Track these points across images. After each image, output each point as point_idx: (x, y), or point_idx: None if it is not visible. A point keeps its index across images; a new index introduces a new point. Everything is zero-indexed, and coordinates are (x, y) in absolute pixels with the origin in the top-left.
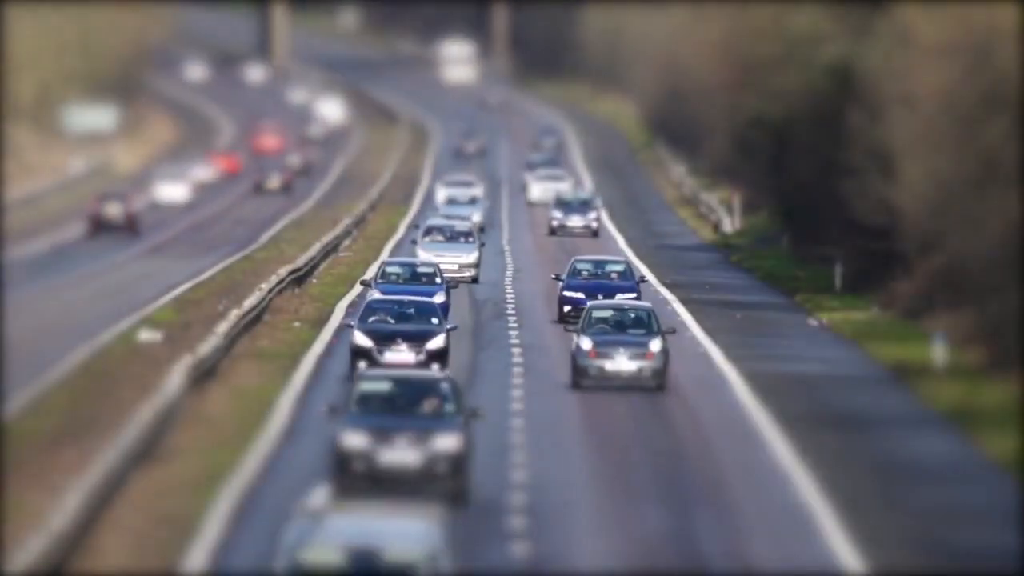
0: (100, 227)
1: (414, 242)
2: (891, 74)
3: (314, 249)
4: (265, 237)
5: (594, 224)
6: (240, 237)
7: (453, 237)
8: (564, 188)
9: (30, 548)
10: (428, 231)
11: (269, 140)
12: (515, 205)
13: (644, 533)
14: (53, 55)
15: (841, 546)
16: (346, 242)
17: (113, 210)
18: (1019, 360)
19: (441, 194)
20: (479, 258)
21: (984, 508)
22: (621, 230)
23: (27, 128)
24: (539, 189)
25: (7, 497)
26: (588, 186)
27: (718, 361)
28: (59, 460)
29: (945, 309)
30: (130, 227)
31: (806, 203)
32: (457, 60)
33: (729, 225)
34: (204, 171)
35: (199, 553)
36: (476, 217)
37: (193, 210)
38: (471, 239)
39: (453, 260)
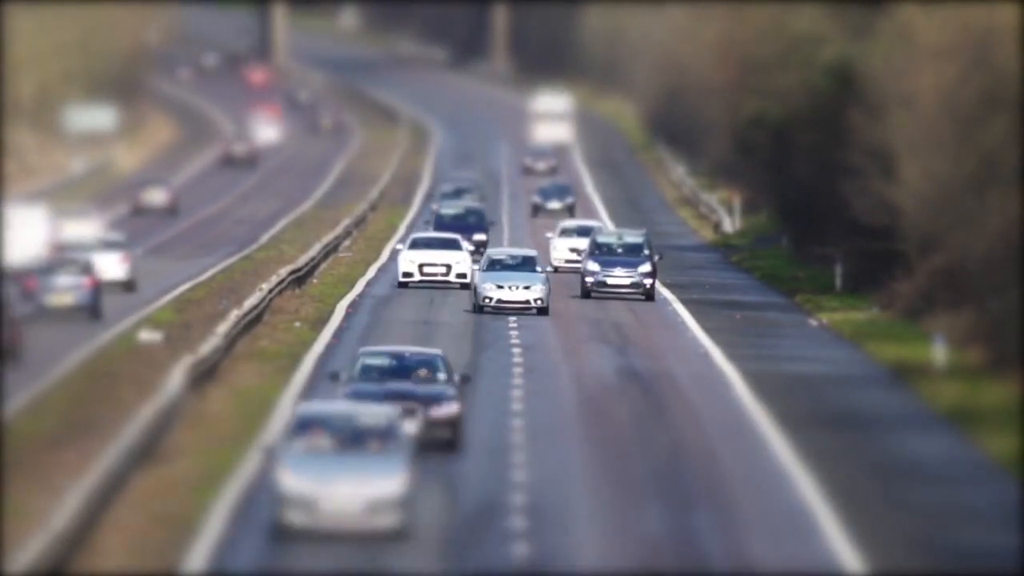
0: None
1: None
2: (891, 74)
3: (314, 249)
4: (265, 237)
5: (648, 281)
6: (240, 237)
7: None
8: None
9: (30, 548)
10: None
11: (256, 75)
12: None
13: (644, 533)
14: (53, 55)
15: (841, 546)
16: (346, 242)
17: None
18: (1019, 360)
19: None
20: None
21: (984, 508)
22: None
23: (27, 128)
24: (564, 248)
25: (7, 497)
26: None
27: (718, 361)
28: (59, 460)
29: (945, 309)
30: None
31: (806, 203)
32: (551, 116)
33: (729, 225)
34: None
35: (199, 553)
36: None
37: (191, 212)
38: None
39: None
